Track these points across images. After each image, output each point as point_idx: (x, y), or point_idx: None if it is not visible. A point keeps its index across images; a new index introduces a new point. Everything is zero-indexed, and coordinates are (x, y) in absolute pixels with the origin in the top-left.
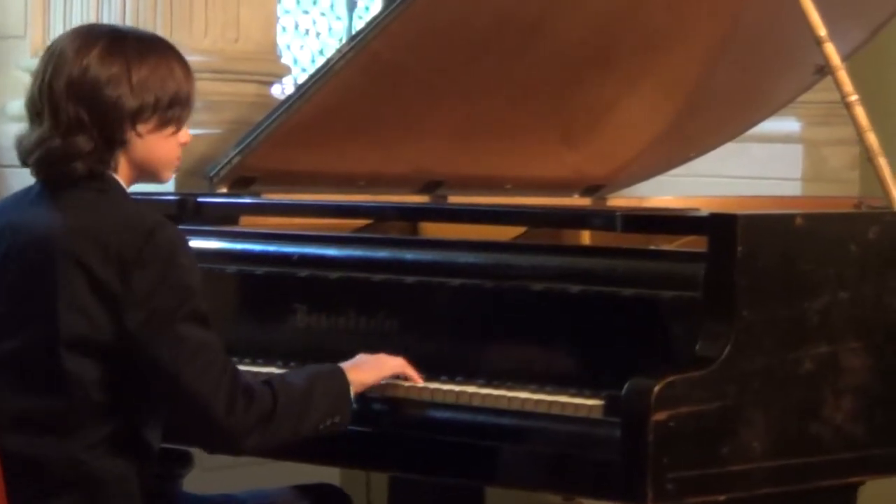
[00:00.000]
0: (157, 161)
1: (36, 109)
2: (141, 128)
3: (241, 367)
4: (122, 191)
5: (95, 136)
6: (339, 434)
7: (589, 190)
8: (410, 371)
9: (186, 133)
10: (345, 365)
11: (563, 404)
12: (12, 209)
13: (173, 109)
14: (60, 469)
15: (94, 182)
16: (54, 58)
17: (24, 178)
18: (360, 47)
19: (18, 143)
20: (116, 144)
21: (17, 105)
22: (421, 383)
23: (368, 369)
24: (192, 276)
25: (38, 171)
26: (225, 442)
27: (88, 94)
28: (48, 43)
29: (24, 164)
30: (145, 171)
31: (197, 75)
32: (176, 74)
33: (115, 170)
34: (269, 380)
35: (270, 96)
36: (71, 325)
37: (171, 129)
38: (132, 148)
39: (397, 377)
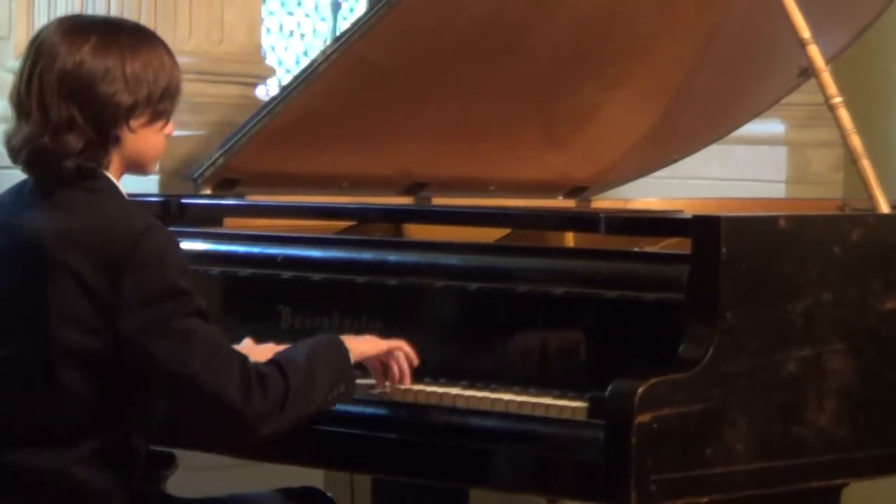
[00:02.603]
0: (146, 154)
1: (23, 106)
2: (134, 123)
3: None
4: (115, 189)
5: (88, 133)
6: (324, 435)
7: (573, 192)
8: (409, 350)
9: (171, 125)
10: (342, 336)
11: (547, 406)
12: (7, 207)
13: (163, 103)
14: (49, 481)
15: (87, 181)
16: (42, 51)
17: (14, 180)
18: (345, 49)
19: (7, 140)
20: (111, 141)
21: (3, 106)
22: (416, 362)
23: (367, 341)
24: (184, 278)
25: (28, 170)
26: (244, 431)
27: (81, 91)
28: None
29: (14, 162)
30: (133, 165)
31: (181, 76)
32: (166, 66)
33: (107, 167)
34: (275, 359)
35: (255, 98)
36: (64, 335)
37: (161, 123)
38: (124, 143)
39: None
